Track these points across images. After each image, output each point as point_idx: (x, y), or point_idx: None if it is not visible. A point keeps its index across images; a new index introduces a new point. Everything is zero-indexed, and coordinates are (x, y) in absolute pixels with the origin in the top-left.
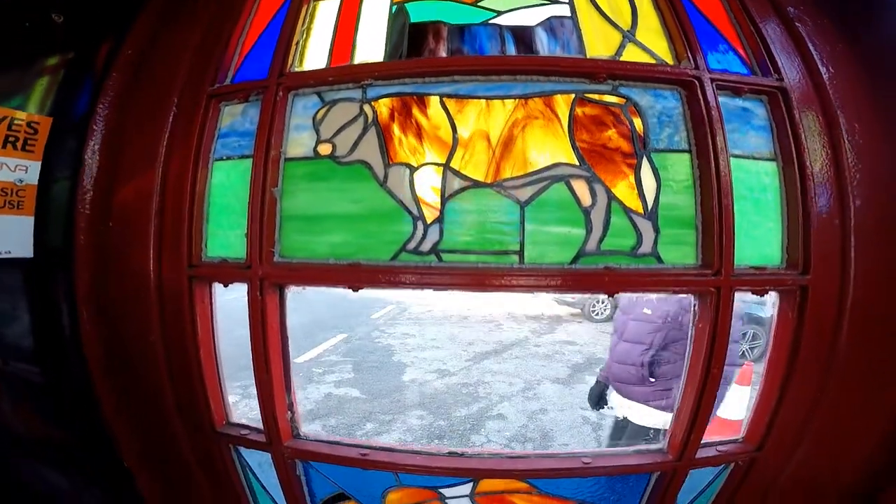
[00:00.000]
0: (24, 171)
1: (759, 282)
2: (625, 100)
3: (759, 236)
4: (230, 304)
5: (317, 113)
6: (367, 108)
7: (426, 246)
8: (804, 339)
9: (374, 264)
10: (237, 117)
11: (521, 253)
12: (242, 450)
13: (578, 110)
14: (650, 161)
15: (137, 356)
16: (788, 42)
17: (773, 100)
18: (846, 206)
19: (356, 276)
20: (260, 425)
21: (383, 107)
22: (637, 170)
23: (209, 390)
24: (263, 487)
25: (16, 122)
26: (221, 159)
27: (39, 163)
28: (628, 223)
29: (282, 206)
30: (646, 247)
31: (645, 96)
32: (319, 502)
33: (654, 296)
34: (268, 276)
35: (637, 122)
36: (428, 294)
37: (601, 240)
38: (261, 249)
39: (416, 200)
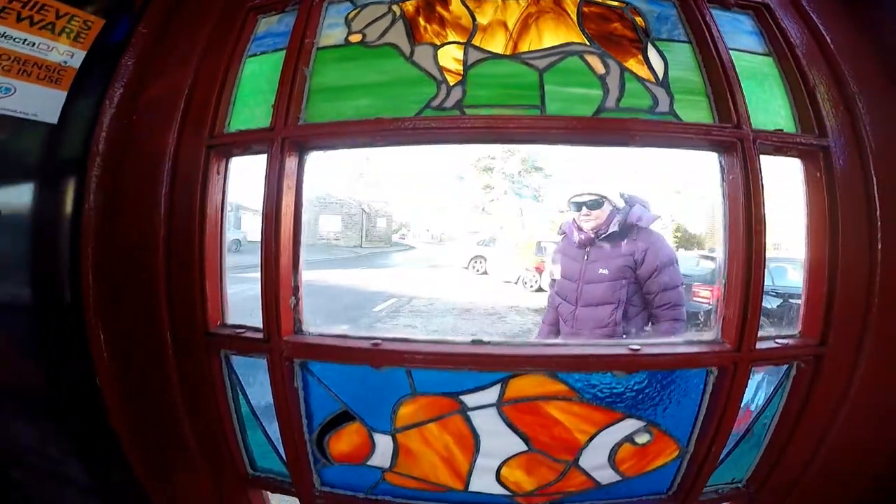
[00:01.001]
0: (70, 56)
1: (779, 141)
2: (625, 4)
3: (769, 109)
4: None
5: (349, 14)
6: (395, 7)
7: (450, 103)
8: (839, 205)
9: (398, 118)
10: (273, 24)
11: (542, 107)
12: (235, 361)
13: (585, 8)
14: (655, 46)
15: (136, 244)
16: None
17: (759, 13)
18: (843, 81)
19: (380, 129)
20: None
21: (409, 6)
22: (644, 51)
23: (208, 284)
24: (254, 414)
25: (75, 18)
26: (255, 55)
27: (85, 52)
28: (643, 88)
29: (310, 82)
30: (663, 107)
31: (643, 3)
32: (318, 428)
33: (610, 260)
34: (290, 137)
35: (638, 20)
36: (431, 285)
37: (619, 99)
38: (287, 115)
39: (440, 69)
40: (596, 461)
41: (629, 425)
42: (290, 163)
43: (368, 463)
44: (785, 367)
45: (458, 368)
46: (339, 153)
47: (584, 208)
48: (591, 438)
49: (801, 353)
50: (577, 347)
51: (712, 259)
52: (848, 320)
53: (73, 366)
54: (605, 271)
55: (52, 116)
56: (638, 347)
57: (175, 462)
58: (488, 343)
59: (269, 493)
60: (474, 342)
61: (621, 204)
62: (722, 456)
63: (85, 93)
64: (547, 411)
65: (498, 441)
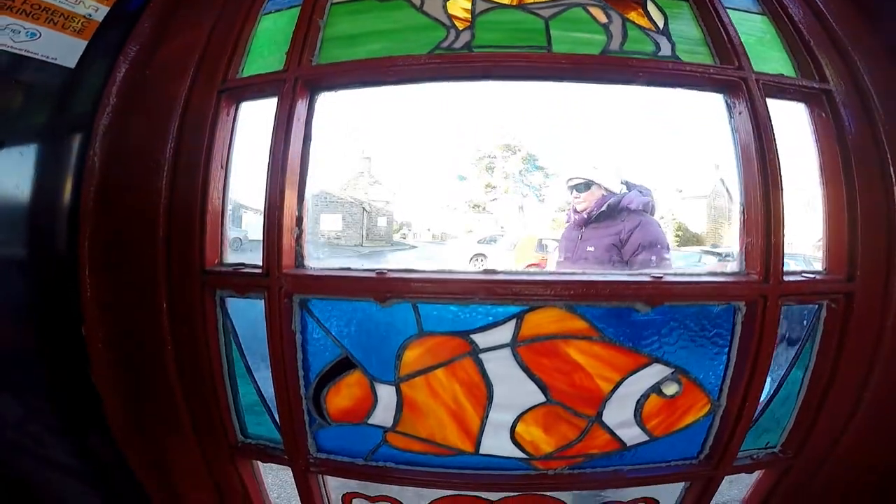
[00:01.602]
0: (95, 10)
1: (783, 84)
2: None
3: (769, 60)
4: None
5: None
6: None
7: (459, 44)
8: (849, 143)
9: (409, 55)
10: None
11: (549, 48)
12: (231, 307)
13: None
14: (654, 2)
15: (139, 185)
16: None
17: None
18: (836, 37)
19: (391, 66)
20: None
21: None
22: (644, 6)
23: (208, 222)
24: (247, 368)
25: None
26: (270, 12)
27: (109, 8)
28: (645, 35)
29: (323, 32)
30: (665, 52)
31: None
32: (315, 380)
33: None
34: (303, 76)
35: None
36: None
37: (622, 44)
38: (300, 58)
39: (450, 17)
40: (621, 416)
41: (656, 372)
42: (301, 104)
43: (369, 421)
44: (815, 308)
45: (470, 299)
46: (340, 157)
47: (574, 191)
48: (615, 388)
49: (830, 289)
50: (597, 275)
51: (717, 255)
52: (872, 257)
53: (61, 323)
54: (592, 249)
55: (70, 62)
56: (660, 275)
57: (161, 427)
58: (501, 272)
59: (259, 463)
60: (487, 272)
61: (618, 189)
62: (755, 414)
63: (102, 48)
64: (566, 353)
65: (512, 389)
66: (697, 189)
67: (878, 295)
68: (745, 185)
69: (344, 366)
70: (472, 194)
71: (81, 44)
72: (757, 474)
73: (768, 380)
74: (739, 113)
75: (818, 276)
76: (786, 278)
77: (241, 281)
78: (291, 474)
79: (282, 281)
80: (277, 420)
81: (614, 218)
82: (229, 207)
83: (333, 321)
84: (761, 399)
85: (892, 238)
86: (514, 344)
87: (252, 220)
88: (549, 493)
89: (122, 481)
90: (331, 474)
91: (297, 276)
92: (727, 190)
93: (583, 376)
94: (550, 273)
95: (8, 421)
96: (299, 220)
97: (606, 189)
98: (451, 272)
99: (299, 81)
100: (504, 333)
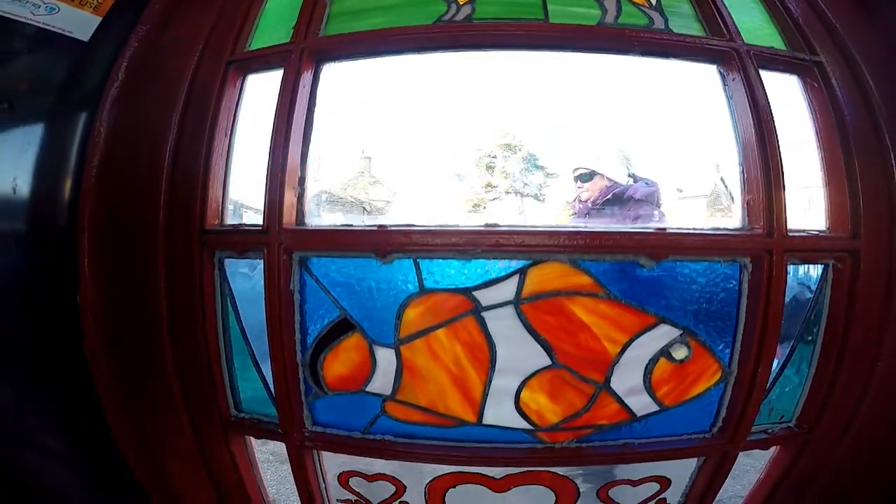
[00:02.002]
0: None
1: (774, 54)
2: None
3: (759, 35)
4: None
5: None
6: None
7: (460, 17)
8: (843, 109)
9: (411, 26)
10: None
11: (546, 21)
12: (230, 269)
13: None
14: None
15: (143, 151)
16: None
17: None
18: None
19: (393, 36)
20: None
21: None
22: None
23: (210, 183)
24: (243, 335)
25: None
26: None
27: None
28: (638, 10)
29: (329, 9)
30: (658, 26)
31: None
32: (313, 345)
33: None
34: (309, 47)
35: None
36: None
37: (617, 17)
38: (307, 31)
39: None
40: (630, 382)
41: (664, 333)
42: (307, 73)
43: (368, 388)
44: (821, 268)
45: (473, 251)
46: (349, 148)
47: (578, 181)
48: (623, 350)
49: (835, 245)
50: (601, 227)
51: None
52: (874, 214)
53: (58, 297)
54: None
55: (84, 36)
56: (664, 227)
57: (152, 401)
58: (504, 225)
59: (252, 439)
60: (489, 225)
61: (624, 181)
62: (768, 383)
63: (116, 26)
64: (571, 310)
65: (516, 351)
66: (697, 188)
67: (883, 252)
68: (743, 146)
69: (343, 328)
70: (472, 193)
71: (96, 20)
72: (765, 462)
73: (779, 348)
74: (733, 79)
75: (822, 233)
76: (790, 235)
77: (240, 238)
78: (291, 470)
79: (282, 237)
80: (273, 390)
81: (619, 207)
82: (231, 186)
83: (333, 280)
84: (773, 368)
85: (892, 196)
86: (518, 301)
87: (252, 218)
88: (555, 470)
89: (111, 464)
90: (327, 449)
91: (297, 232)
92: (727, 188)
93: (589, 337)
94: (554, 226)
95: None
96: (301, 181)
97: (610, 179)
98: (454, 225)
99: (305, 52)
100: (507, 290)
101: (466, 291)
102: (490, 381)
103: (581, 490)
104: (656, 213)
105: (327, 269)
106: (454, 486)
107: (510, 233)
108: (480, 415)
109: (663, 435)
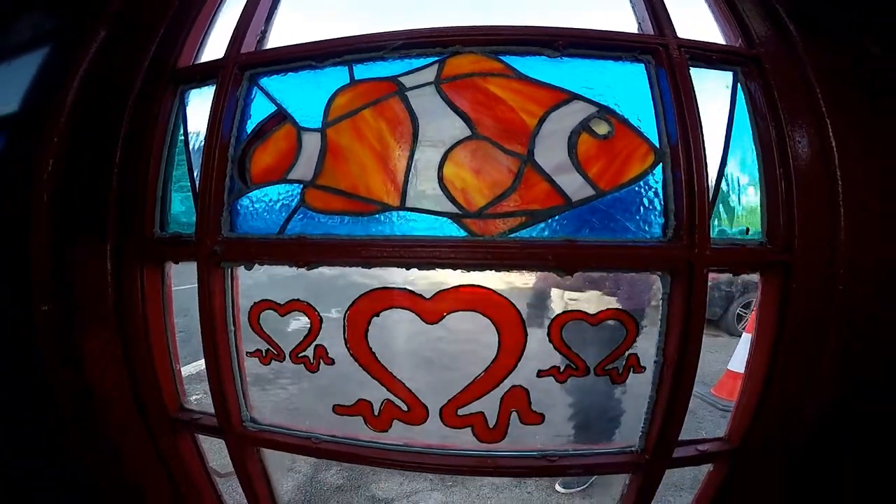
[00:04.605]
0: None
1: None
2: None
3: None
4: None
5: None
6: None
7: None
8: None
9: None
10: None
11: None
12: (190, 95)
13: None
14: None
15: None
16: None
17: None
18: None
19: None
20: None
21: None
22: None
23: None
24: (186, 145)
25: None
26: None
27: None
28: None
29: None
30: None
31: None
32: (245, 140)
33: None
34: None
35: None
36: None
37: None
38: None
39: None
40: (555, 157)
41: (580, 108)
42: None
43: (290, 176)
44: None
45: (398, 45)
46: None
47: None
48: (541, 122)
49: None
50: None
51: None
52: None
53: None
54: None
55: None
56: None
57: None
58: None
59: (169, 264)
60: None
61: None
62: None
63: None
64: (486, 87)
65: (437, 123)
66: None
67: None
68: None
69: (276, 121)
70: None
71: None
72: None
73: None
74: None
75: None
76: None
77: (202, 70)
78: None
79: (238, 58)
80: (198, 186)
81: None
82: None
83: (275, 87)
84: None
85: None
86: (438, 82)
87: None
88: (495, 291)
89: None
90: (240, 258)
91: (249, 54)
92: None
93: (505, 109)
94: (471, 25)
95: None
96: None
97: None
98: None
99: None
100: (428, 74)
101: (392, 78)
102: (413, 154)
103: (524, 317)
104: None
105: (271, 80)
106: (377, 314)
107: (431, 28)
108: (403, 196)
109: (607, 229)
